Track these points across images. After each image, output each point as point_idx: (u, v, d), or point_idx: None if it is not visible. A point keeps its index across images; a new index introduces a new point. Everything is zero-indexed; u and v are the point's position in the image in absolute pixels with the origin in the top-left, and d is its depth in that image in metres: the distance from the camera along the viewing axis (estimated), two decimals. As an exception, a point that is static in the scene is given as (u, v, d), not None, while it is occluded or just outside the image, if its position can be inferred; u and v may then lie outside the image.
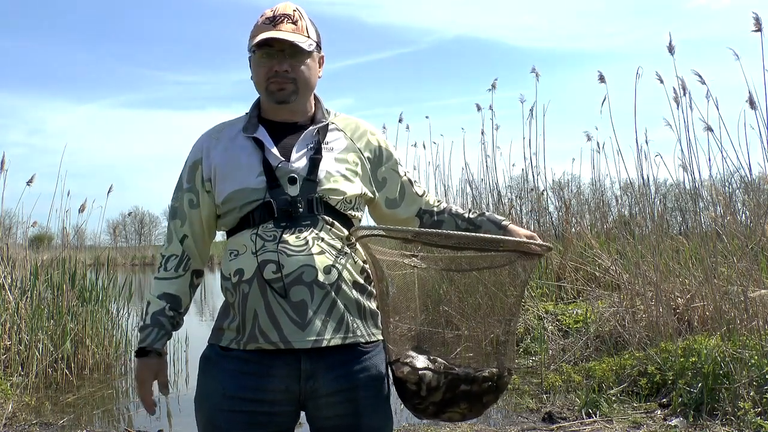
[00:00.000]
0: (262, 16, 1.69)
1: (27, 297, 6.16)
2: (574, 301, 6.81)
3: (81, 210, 7.29)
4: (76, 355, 6.18)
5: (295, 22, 1.66)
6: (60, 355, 6.02)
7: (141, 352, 1.69)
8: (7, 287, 6.08)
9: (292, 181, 1.62)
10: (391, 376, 1.65)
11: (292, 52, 1.65)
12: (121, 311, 6.97)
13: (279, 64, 1.65)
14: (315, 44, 1.69)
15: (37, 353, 5.83)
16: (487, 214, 1.83)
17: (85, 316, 6.34)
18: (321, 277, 1.57)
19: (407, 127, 10.07)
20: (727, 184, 5.93)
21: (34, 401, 5.19)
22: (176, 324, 1.73)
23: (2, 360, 5.68)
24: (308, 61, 1.68)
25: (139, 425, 4.70)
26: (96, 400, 5.49)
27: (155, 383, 1.71)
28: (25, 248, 7.21)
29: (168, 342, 1.74)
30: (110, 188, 7.56)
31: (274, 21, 1.66)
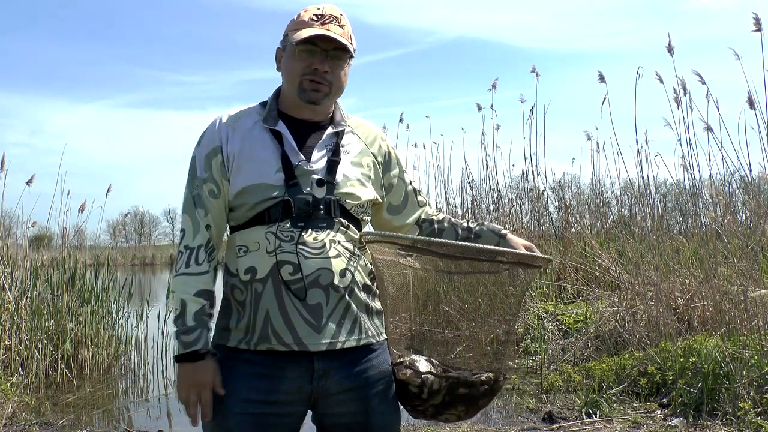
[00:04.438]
0: (306, 11, 1.66)
1: (27, 297, 6.16)
2: (574, 301, 6.81)
3: (81, 210, 7.28)
4: (76, 355, 6.18)
5: (342, 26, 1.65)
6: (60, 355, 6.01)
7: (194, 356, 1.58)
8: (7, 287, 6.08)
9: (320, 183, 1.60)
10: (393, 377, 1.66)
11: (335, 54, 1.64)
12: (121, 311, 6.97)
13: (320, 63, 1.62)
14: (354, 51, 1.68)
15: (37, 353, 5.83)
16: (486, 223, 1.84)
17: (85, 316, 6.34)
18: (336, 280, 1.57)
19: (407, 127, 10.09)
20: (727, 184, 5.94)
21: (34, 401, 5.19)
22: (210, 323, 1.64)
23: (2, 360, 5.67)
24: (345, 66, 1.68)
25: (139, 425, 4.70)
26: (96, 400, 5.49)
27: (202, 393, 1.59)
28: (25, 248, 7.20)
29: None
30: (109, 188, 7.55)
31: (322, 20, 1.63)
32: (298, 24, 1.64)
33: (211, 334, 1.62)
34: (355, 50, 1.68)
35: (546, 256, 1.69)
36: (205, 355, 1.59)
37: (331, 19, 1.64)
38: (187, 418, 1.62)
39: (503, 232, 1.79)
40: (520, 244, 1.75)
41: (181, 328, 1.60)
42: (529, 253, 1.67)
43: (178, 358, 1.61)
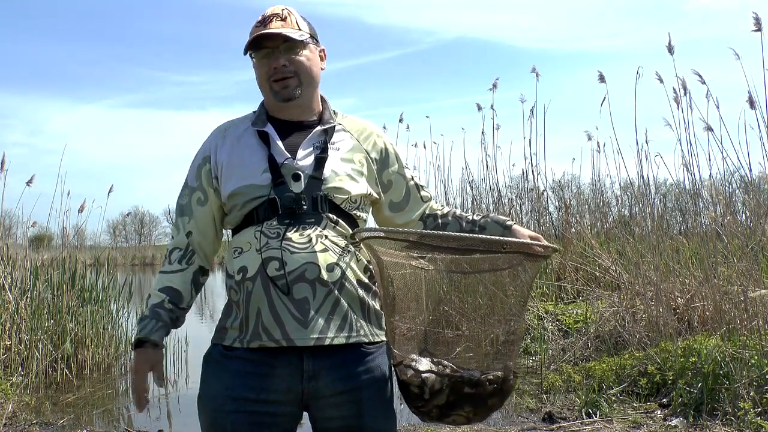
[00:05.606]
0: (255, 22, 1.72)
1: (27, 297, 6.16)
2: (574, 301, 6.81)
3: (80, 210, 7.28)
4: (76, 355, 6.18)
5: (283, 19, 1.69)
6: (60, 355, 6.01)
7: (138, 343, 1.66)
8: (7, 287, 6.07)
9: (296, 177, 1.62)
10: (395, 378, 1.64)
11: (286, 46, 1.67)
12: (121, 311, 6.96)
13: (276, 61, 1.67)
14: (308, 35, 1.71)
15: (37, 353, 5.83)
16: (491, 215, 1.81)
17: (85, 316, 6.34)
18: (324, 274, 1.57)
19: (407, 127, 10.08)
20: (727, 184, 5.94)
21: (34, 401, 5.19)
22: (176, 319, 1.70)
23: (2, 360, 5.67)
24: (305, 52, 1.69)
25: (139, 425, 4.70)
26: (96, 400, 5.49)
27: (151, 376, 1.67)
28: (25, 248, 7.20)
29: (167, 336, 1.70)
30: (111, 188, 7.54)
31: (264, 23, 1.69)
32: (250, 36, 1.70)
33: (159, 324, 1.67)
34: (308, 33, 1.71)
35: (553, 245, 1.66)
36: (145, 343, 1.64)
37: (272, 17, 1.69)
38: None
39: (508, 223, 1.77)
40: (526, 234, 1.72)
41: (139, 318, 1.70)
42: (531, 242, 1.64)
43: (133, 347, 1.68)
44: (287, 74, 1.67)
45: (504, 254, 1.61)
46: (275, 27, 1.66)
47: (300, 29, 1.69)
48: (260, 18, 1.71)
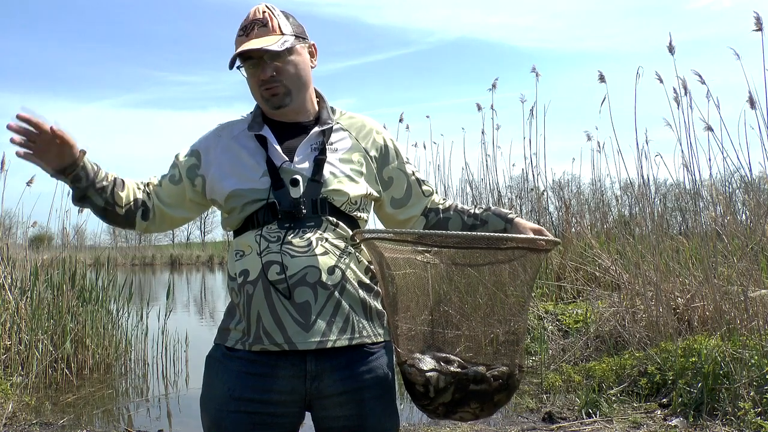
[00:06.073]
0: (239, 26, 1.68)
1: (27, 297, 6.15)
2: (574, 301, 6.81)
3: (80, 210, 7.28)
4: (76, 355, 6.18)
5: (265, 25, 1.64)
6: (60, 355, 6.01)
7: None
8: (7, 287, 6.07)
9: (294, 183, 1.60)
10: (400, 377, 1.63)
11: (270, 56, 1.63)
12: (121, 311, 6.96)
13: (263, 73, 1.64)
14: (293, 38, 1.66)
15: (37, 353, 5.83)
16: (493, 208, 1.79)
17: (85, 316, 6.34)
18: (324, 277, 1.57)
19: (407, 127, 10.12)
20: (727, 184, 5.95)
21: (34, 401, 5.19)
22: (100, 179, 1.65)
23: (2, 360, 5.67)
24: (291, 58, 1.65)
25: (139, 425, 4.70)
26: (96, 400, 5.49)
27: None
28: (25, 248, 7.19)
29: (84, 175, 1.62)
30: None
31: (246, 31, 1.65)
32: (235, 45, 1.67)
33: (96, 167, 1.65)
34: (292, 34, 1.65)
35: (553, 238, 1.65)
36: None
37: (254, 24, 1.64)
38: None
39: (510, 216, 1.76)
40: (528, 227, 1.71)
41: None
42: (532, 236, 1.63)
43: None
44: (274, 84, 1.64)
45: (506, 250, 1.60)
46: (256, 37, 1.62)
47: (282, 33, 1.64)
48: (242, 24, 1.67)
